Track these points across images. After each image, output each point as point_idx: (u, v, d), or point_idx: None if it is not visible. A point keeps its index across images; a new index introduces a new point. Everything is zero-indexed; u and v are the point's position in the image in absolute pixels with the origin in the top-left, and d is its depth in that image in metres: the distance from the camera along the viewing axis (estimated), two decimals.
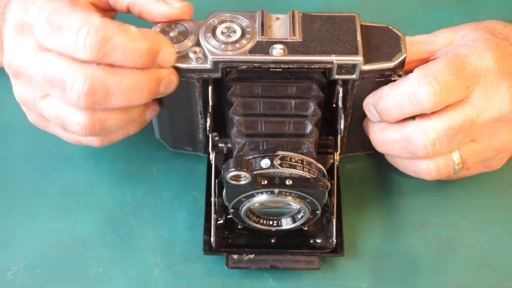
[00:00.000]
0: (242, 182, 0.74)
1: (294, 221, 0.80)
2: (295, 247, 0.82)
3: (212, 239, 0.80)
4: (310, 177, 0.76)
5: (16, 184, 0.88)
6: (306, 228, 0.83)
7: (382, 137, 0.81)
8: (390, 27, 0.78)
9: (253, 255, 0.81)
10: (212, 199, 0.80)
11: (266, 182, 0.75)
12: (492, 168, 0.84)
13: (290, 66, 0.76)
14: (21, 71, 0.75)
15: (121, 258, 0.84)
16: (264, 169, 0.75)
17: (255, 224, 0.80)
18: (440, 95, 0.76)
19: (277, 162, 0.75)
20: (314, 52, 0.76)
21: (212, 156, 0.82)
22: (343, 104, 0.80)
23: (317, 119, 0.79)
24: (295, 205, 0.77)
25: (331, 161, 0.82)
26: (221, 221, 0.81)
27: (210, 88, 0.79)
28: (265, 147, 0.77)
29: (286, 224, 0.80)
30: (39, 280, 0.82)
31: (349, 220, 0.85)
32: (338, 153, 0.82)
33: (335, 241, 0.81)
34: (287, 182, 0.75)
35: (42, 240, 0.84)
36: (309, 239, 0.82)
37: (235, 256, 0.81)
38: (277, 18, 0.78)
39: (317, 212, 0.78)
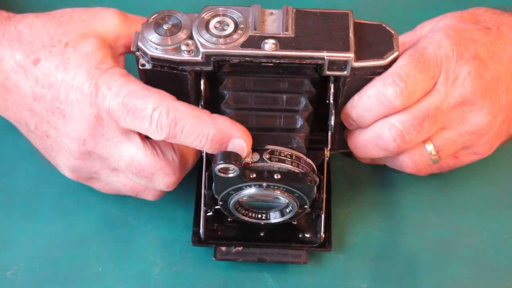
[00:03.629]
0: (231, 175, 0.74)
1: (282, 215, 0.80)
2: (284, 240, 0.83)
3: (201, 230, 0.81)
4: (298, 171, 0.76)
5: (16, 184, 0.88)
6: (295, 223, 0.83)
7: (356, 141, 0.82)
8: (384, 25, 0.79)
9: (241, 247, 0.82)
10: (202, 191, 0.80)
11: (254, 175, 0.75)
12: (482, 154, 0.84)
13: (282, 61, 0.76)
14: (96, 151, 0.78)
15: (120, 257, 0.84)
16: (253, 162, 0.76)
17: (243, 217, 0.80)
18: (406, 91, 0.77)
19: (266, 156, 0.76)
20: (305, 48, 0.76)
21: (203, 153, 0.82)
22: (334, 100, 0.80)
23: (308, 114, 0.79)
24: (283, 199, 0.78)
25: (323, 157, 0.82)
26: (210, 213, 0.81)
27: (202, 81, 0.79)
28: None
29: (275, 217, 0.80)
30: (39, 279, 0.82)
31: (349, 220, 0.85)
32: (328, 148, 0.82)
33: (323, 236, 0.81)
34: (275, 176, 0.75)
35: (42, 239, 0.84)
36: (298, 233, 0.83)
37: (224, 248, 0.82)
38: (271, 13, 0.78)
39: (306, 206, 0.78)
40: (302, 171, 0.76)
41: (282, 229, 0.83)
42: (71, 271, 0.83)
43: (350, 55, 0.76)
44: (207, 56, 0.76)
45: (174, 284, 0.82)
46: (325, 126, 0.82)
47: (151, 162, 0.78)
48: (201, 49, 0.76)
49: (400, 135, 0.78)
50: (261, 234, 0.83)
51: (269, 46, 0.76)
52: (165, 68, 0.78)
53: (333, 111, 0.80)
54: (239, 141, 0.76)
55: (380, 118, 0.79)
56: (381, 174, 0.88)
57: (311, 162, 0.78)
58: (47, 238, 0.85)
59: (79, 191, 0.87)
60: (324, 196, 0.80)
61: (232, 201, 0.78)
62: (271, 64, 0.77)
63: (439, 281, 0.82)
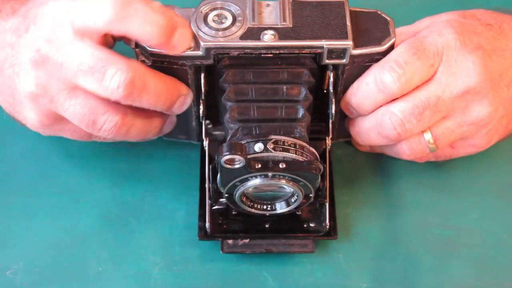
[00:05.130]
0: (237, 166, 0.74)
1: (288, 204, 0.80)
2: (289, 231, 0.83)
3: (207, 225, 0.81)
4: (303, 160, 0.76)
5: (16, 183, 0.88)
6: (299, 213, 0.83)
7: (358, 129, 0.83)
8: (379, 12, 0.79)
9: (248, 240, 0.82)
10: (206, 185, 0.80)
11: (260, 165, 0.75)
12: (479, 147, 0.84)
13: (281, 51, 0.77)
14: (51, 56, 0.75)
15: (120, 257, 0.84)
16: (257, 153, 0.76)
17: (249, 209, 0.80)
18: (403, 77, 0.77)
19: (270, 146, 0.76)
20: (304, 38, 0.77)
21: (205, 143, 0.82)
22: (334, 89, 0.81)
23: (308, 104, 0.80)
24: (288, 188, 0.78)
25: (324, 146, 0.83)
26: (216, 207, 0.82)
27: (202, 76, 0.80)
28: (258, 132, 0.78)
29: (280, 208, 0.80)
30: (39, 279, 0.82)
31: (348, 220, 0.85)
32: (330, 137, 0.83)
33: (328, 224, 0.82)
34: (280, 166, 0.75)
35: (42, 239, 0.84)
36: (303, 223, 0.83)
37: (230, 241, 0.82)
38: (268, 5, 0.79)
39: (310, 195, 0.78)
40: (306, 159, 0.77)
41: (286, 220, 0.83)
42: (71, 271, 0.83)
43: (349, 43, 0.77)
44: (207, 50, 0.77)
45: (174, 284, 0.82)
46: (325, 116, 0.83)
47: (103, 54, 0.75)
48: (202, 43, 0.76)
49: (401, 124, 0.79)
50: (266, 226, 0.83)
51: (268, 37, 0.77)
52: (165, 63, 0.78)
53: (333, 100, 0.81)
54: (185, 30, 0.76)
55: (380, 105, 0.80)
56: (381, 174, 0.88)
57: (314, 151, 0.78)
58: (47, 238, 0.85)
59: (78, 190, 0.87)
60: (328, 184, 0.81)
61: (237, 193, 0.78)
62: (271, 55, 0.77)
63: (439, 281, 0.82)
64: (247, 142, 0.77)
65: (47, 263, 0.83)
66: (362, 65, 0.79)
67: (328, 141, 0.83)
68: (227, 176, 0.76)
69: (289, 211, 0.81)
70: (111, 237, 0.85)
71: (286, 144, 0.77)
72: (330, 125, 0.82)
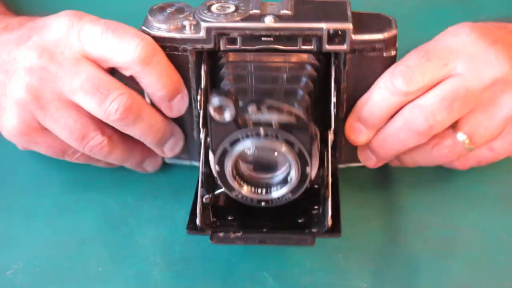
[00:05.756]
0: (227, 117, 0.72)
1: (284, 182, 0.76)
2: (287, 228, 0.79)
3: (198, 217, 0.77)
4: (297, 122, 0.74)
5: (16, 183, 0.88)
6: (301, 221, 0.80)
7: (383, 137, 0.82)
8: (382, 14, 0.80)
9: (241, 233, 0.77)
10: (200, 171, 0.78)
11: (251, 124, 0.73)
12: None
13: (281, 33, 0.77)
14: (50, 69, 0.77)
15: (120, 257, 0.84)
16: (250, 113, 0.73)
17: (242, 190, 0.76)
18: (414, 79, 0.77)
19: (264, 107, 0.74)
20: (304, 21, 0.78)
21: (202, 135, 0.80)
22: (336, 79, 0.80)
23: (309, 91, 0.79)
24: (283, 160, 0.75)
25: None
26: (208, 197, 0.78)
27: (203, 68, 0.80)
28: (253, 96, 0.78)
29: (276, 190, 0.77)
30: (39, 279, 0.82)
31: (348, 220, 0.85)
32: (332, 129, 0.81)
33: (330, 220, 0.77)
34: (273, 125, 0.73)
35: (42, 239, 0.84)
36: (304, 229, 0.79)
37: (221, 234, 0.76)
38: (271, 4, 0.80)
39: (307, 170, 0.75)
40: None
41: (286, 225, 0.79)
42: (71, 271, 0.83)
43: (349, 25, 0.77)
44: (208, 31, 0.77)
45: (174, 284, 0.82)
46: (329, 127, 0.82)
47: (107, 78, 0.77)
48: (202, 24, 0.78)
49: (431, 116, 0.78)
50: (264, 230, 0.79)
51: (268, 20, 0.77)
52: (167, 49, 0.79)
53: (335, 92, 0.80)
54: (185, 97, 0.81)
55: (395, 109, 0.79)
56: (381, 174, 0.88)
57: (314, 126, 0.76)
58: (47, 238, 0.85)
59: (79, 191, 0.87)
60: (330, 177, 0.78)
61: (228, 163, 0.74)
62: (271, 39, 0.77)
63: (439, 281, 0.82)
64: (240, 107, 0.74)
65: (47, 263, 0.83)
66: (364, 56, 0.79)
67: (331, 136, 0.81)
68: (217, 134, 0.73)
69: (285, 198, 0.76)
70: (111, 237, 0.85)
71: (281, 108, 0.74)
72: (332, 117, 0.81)
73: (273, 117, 0.74)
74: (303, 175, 0.75)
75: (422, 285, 0.82)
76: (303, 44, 0.79)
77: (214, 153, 0.75)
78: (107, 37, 0.77)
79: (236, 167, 0.76)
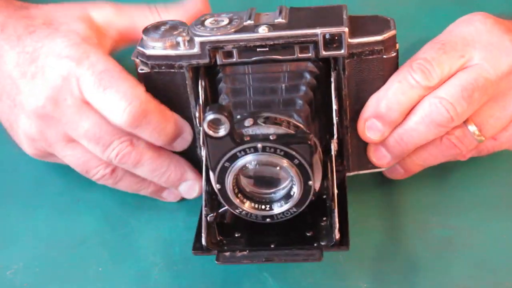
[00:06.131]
0: (221, 133, 0.70)
1: (287, 198, 0.75)
2: (294, 244, 0.77)
3: (203, 237, 0.76)
4: (295, 133, 0.73)
5: (16, 183, 0.88)
6: (309, 234, 0.79)
7: (401, 132, 0.80)
8: (380, 16, 0.79)
9: (247, 251, 0.75)
10: (203, 189, 0.77)
11: (248, 138, 0.72)
12: None
13: (276, 42, 0.76)
14: (55, 116, 0.79)
15: (120, 257, 0.84)
16: (247, 127, 0.73)
17: (244, 206, 0.75)
18: (434, 72, 0.77)
19: (261, 120, 0.73)
20: (299, 28, 0.76)
21: (203, 152, 0.79)
22: (336, 85, 0.79)
23: (309, 99, 0.77)
24: (283, 170, 0.73)
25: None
26: (212, 216, 0.77)
27: (200, 82, 0.80)
28: (252, 109, 0.76)
29: (279, 206, 0.75)
30: (39, 279, 0.82)
31: (349, 220, 0.85)
32: (335, 138, 0.79)
33: (337, 234, 0.76)
34: (270, 137, 0.71)
35: (42, 239, 0.85)
36: (313, 243, 0.77)
37: (227, 253, 0.75)
38: (266, 14, 0.79)
39: (310, 183, 0.73)
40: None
41: (294, 240, 0.77)
42: (71, 271, 0.83)
43: (344, 29, 0.76)
44: (202, 45, 0.77)
45: (174, 284, 0.82)
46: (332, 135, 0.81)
47: (109, 127, 0.78)
48: (196, 39, 0.77)
49: (452, 107, 0.77)
50: (272, 246, 0.77)
51: (262, 29, 0.77)
52: (163, 67, 0.79)
53: (336, 100, 0.79)
54: (187, 136, 0.82)
55: (414, 103, 0.78)
56: (381, 174, 0.88)
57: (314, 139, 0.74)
58: (47, 238, 0.85)
59: (79, 191, 0.87)
60: (334, 188, 0.76)
61: (229, 180, 0.73)
62: (266, 49, 0.77)
63: (439, 281, 0.82)
64: (237, 122, 0.74)
65: (47, 263, 0.83)
66: (364, 59, 0.78)
67: (335, 145, 0.79)
68: (214, 152, 0.72)
69: (289, 212, 0.75)
70: (111, 238, 0.85)
71: (278, 120, 0.74)
72: (335, 125, 0.80)
73: (270, 130, 0.73)
74: (305, 189, 0.74)
75: (422, 285, 0.82)
76: (301, 53, 0.78)
77: (213, 171, 0.74)
78: (100, 94, 0.77)
79: (237, 183, 0.75)
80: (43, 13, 0.82)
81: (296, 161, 0.72)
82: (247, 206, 0.76)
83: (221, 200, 0.76)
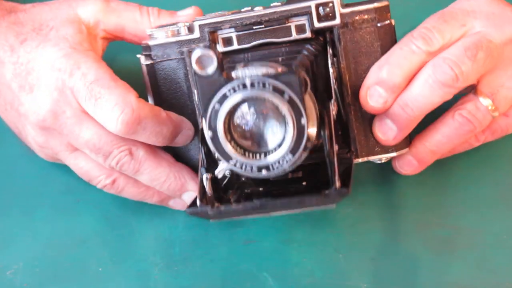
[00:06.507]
0: (210, 70, 0.70)
1: (281, 143, 0.71)
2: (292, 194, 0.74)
3: (198, 196, 0.73)
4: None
5: (16, 183, 0.88)
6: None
7: (406, 98, 0.78)
8: None
9: (241, 204, 0.71)
10: (201, 153, 0.76)
11: (237, 77, 0.70)
12: None
13: (271, 17, 0.78)
14: (56, 128, 0.79)
15: (120, 257, 0.84)
16: (236, 69, 0.72)
17: (238, 155, 0.71)
18: (434, 39, 0.77)
19: (251, 65, 0.73)
20: (293, 4, 0.79)
21: (202, 123, 0.76)
22: (335, 63, 0.79)
23: (308, 61, 0.77)
24: (274, 105, 0.70)
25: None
26: (205, 175, 0.74)
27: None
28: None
29: (273, 152, 0.71)
30: (39, 279, 0.82)
31: (348, 220, 0.85)
32: (332, 100, 0.77)
33: (338, 182, 0.72)
34: (260, 72, 0.71)
35: (42, 239, 0.85)
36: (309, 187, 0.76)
37: (222, 207, 0.72)
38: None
39: (303, 121, 0.70)
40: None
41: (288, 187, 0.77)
42: (71, 271, 0.83)
43: None
44: (201, 28, 0.79)
45: (174, 284, 0.82)
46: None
47: (108, 137, 0.79)
48: (195, 23, 0.79)
49: (456, 65, 0.76)
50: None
51: (258, 9, 0.79)
52: (165, 56, 0.80)
53: (333, 66, 0.79)
54: (187, 131, 0.81)
55: (417, 68, 0.77)
56: (381, 174, 0.88)
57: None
58: (47, 238, 0.85)
59: (79, 191, 0.87)
60: (331, 132, 0.74)
61: (219, 124, 0.71)
62: (263, 27, 0.79)
63: (439, 281, 0.82)
64: (227, 68, 0.72)
65: (47, 263, 0.83)
66: (358, 28, 0.79)
67: (334, 108, 0.77)
68: (204, 92, 0.70)
69: (285, 159, 0.71)
70: (111, 238, 0.85)
71: (269, 64, 0.73)
72: (332, 88, 0.79)
73: (261, 70, 0.72)
74: (299, 129, 0.71)
75: (422, 285, 0.82)
76: (297, 33, 0.80)
77: (205, 116, 0.71)
78: (92, 105, 0.78)
79: (229, 130, 0.72)
80: (31, 17, 0.82)
81: (286, 96, 0.70)
82: (240, 154, 0.72)
83: (215, 153, 0.72)
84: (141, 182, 0.82)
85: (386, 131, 0.79)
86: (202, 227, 0.84)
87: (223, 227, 0.85)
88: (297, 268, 0.83)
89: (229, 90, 0.70)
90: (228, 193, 0.77)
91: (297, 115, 0.70)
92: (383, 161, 0.82)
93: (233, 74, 0.71)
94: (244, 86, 0.70)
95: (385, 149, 0.81)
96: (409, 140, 0.82)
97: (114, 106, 0.76)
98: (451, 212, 0.86)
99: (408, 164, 0.82)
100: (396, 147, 0.81)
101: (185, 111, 0.83)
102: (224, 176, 0.76)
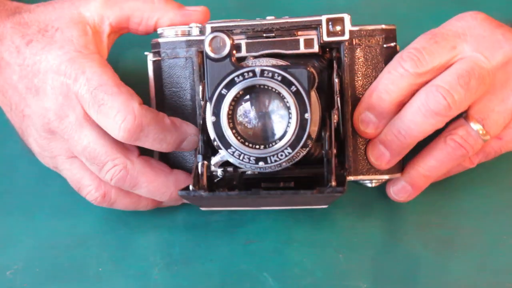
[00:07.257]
0: (222, 53, 0.71)
1: (282, 136, 0.72)
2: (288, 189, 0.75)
3: (191, 182, 0.74)
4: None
5: (16, 184, 0.88)
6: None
7: (397, 124, 0.78)
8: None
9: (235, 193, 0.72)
10: (199, 142, 0.77)
11: (247, 65, 0.73)
12: None
13: (282, 27, 0.79)
14: (58, 132, 0.79)
15: (120, 257, 0.84)
16: (247, 61, 0.74)
17: (238, 143, 0.72)
18: (423, 60, 0.77)
19: (262, 57, 0.74)
20: (304, 17, 0.80)
21: (203, 105, 0.78)
22: (338, 71, 0.80)
23: (315, 73, 0.76)
24: (280, 104, 0.72)
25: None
26: (200, 162, 0.75)
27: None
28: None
29: (273, 144, 0.72)
30: (39, 279, 0.82)
31: (349, 220, 0.85)
32: (335, 108, 0.78)
33: (334, 181, 0.73)
34: (268, 64, 0.73)
35: (42, 239, 0.85)
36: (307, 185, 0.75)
37: (214, 193, 0.72)
38: None
39: (306, 116, 0.71)
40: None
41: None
42: (71, 271, 0.83)
43: (347, 15, 0.79)
44: (213, 30, 0.79)
45: (174, 284, 0.82)
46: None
47: (103, 148, 0.79)
48: (207, 25, 0.80)
49: (448, 94, 0.76)
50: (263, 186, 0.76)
51: (269, 18, 0.80)
52: (173, 55, 0.81)
53: (337, 71, 0.80)
54: (193, 137, 0.80)
55: (406, 92, 0.77)
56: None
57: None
58: (47, 238, 0.85)
59: None
60: (333, 137, 0.75)
61: (224, 110, 0.71)
62: (273, 37, 0.79)
63: (439, 281, 0.82)
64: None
65: (47, 263, 0.83)
66: (365, 47, 0.79)
67: (335, 117, 0.77)
68: (213, 76, 0.71)
69: (284, 153, 0.72)
70: (111, 237, 0.85)
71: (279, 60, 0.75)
72: (335, 99, 0.79)
73: (271, 61, 0.75)
74: (301, 123, 0.72)
75: (422, 285, 0.82)
76: (306, 47, 0.80)
77: (210, 100, 0.72)
78: (96, 111, 0.77)
79: (232, 117, 0.73)
80: (36, 17, 0.82)
81: (293, 88, 0.71)
82: (240, 142, 0.73)
83: (215, 140, 0.73)
84: (133, 193, 0.82)
85: (379, 156, 0.80)
86: (202, 227, 0.84)
87: (223, 227, 0.86)
88: (297, 268, 0.83)
89: (238, 76, 0.71)
90: (219, 189, 0.77)
91: (302, 109, 0.71)
92: (373, 185, 0.82)
93: (244, 63, 0.73)
94: (254, 74, 0.71)
95: (379, 171, 0.81)
96: (401, 165, 0.82)
97: (116, 113, 0.76)
98: (451, 212, 0.86)
99: (403, 190, 0.83)
100: (388, 171, 0.81)
101: (185, 110, 0.83)
102: (216, 176, 0.77)
